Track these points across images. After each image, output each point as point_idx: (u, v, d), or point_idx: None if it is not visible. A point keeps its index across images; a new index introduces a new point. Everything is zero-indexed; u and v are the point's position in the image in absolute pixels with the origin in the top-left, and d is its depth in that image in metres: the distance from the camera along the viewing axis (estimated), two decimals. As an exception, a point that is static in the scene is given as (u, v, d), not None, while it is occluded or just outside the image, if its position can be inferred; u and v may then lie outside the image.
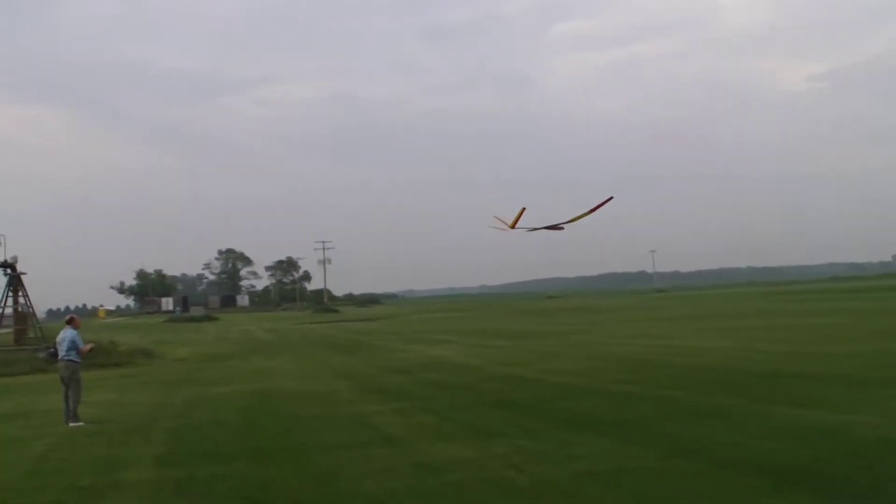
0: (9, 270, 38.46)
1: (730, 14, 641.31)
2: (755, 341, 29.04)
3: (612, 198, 19.83)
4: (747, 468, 9.53)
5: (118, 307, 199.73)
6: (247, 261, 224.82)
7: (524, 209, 19.59)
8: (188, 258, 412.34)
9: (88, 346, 17.73)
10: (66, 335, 16.86)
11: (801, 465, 9.47)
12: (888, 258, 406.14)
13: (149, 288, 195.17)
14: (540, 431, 12.80)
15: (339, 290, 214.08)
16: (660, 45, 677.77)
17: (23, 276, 39.03)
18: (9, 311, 39.61)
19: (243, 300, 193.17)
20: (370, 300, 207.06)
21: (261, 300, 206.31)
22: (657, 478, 9.35)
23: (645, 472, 9.68)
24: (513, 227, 19.74)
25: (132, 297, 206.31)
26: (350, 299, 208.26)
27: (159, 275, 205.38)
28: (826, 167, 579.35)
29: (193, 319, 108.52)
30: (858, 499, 8.09)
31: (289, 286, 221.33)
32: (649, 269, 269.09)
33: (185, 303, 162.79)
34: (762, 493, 8.47)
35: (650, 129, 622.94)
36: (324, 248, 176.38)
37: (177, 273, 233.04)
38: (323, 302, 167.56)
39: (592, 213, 20.52)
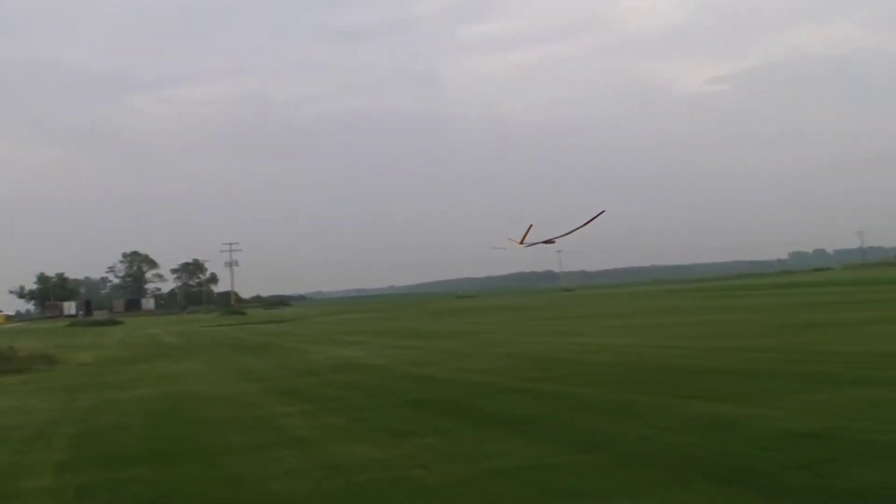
0: None
1: (634, 17, 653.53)
2: (663, 338, 29.58)
3: (603, 211, 19.96)
4: (655, 461, 9.72)
5: (18, 312, 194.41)
6: (152, 263, 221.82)
7: (531, 225, 19.64)
8: (91, 261, 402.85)
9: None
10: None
11: (706, 458, 9.69)
12: (785, 256, 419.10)
13: (50, 292, 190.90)
14: (450, 430, 12.81)
15: (246, 293, 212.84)
16: (566, 47, 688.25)
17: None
18: None
19: (149, 303, 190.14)
20: (278, 302, 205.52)
21: (167, 303, 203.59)
22: (566, 473, 9.45)
23: (554, 467, 9.76)
24: (521, 242, 19.74)
25: (33, 302, 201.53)
26: (258, 301, 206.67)
27: (61, 278, 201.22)
28: (727, 167, 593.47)
29: (97, 324, 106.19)
30: (759, 489, 8.29)
31: (195, 289, 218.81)
32: (556, 269, 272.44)
33: (88, 307, 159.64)
34: (667, 485, 8.64)
35: (555, 130, 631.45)
36: (231, 250, 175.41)
37: (80, 276, 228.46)
38: (230, 304, 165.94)
39: (585, 227, 20.61)
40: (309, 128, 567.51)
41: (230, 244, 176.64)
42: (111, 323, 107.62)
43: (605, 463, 9.81)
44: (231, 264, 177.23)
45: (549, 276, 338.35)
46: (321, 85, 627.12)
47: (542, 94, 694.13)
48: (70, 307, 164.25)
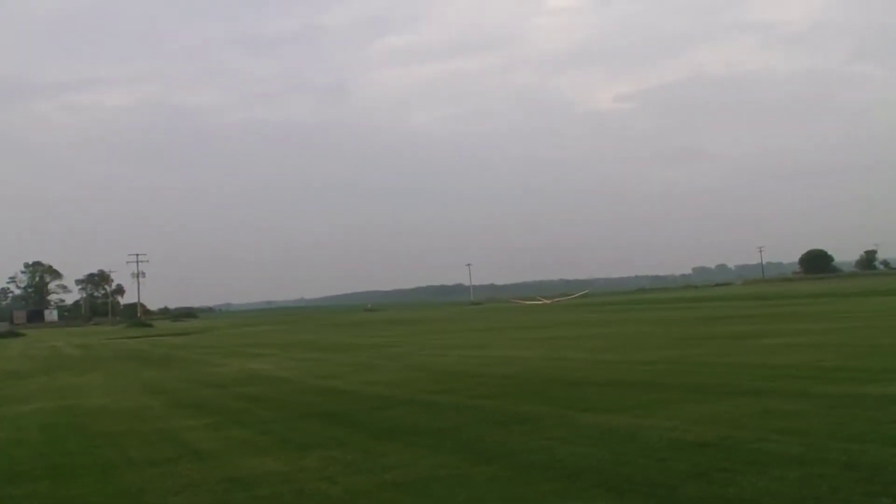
0: None
1: (545, 34, 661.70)
2: (564, 350, 30.12)
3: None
4: (552, 472, 9.89)
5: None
6: (56, 274, 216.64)
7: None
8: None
9: None
10: None
11: (602, 468, 9.90)
12: (689, 271, 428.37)
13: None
14: (353, 442, 12.85)
15: (153, 304, 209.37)
16: (476, 61, 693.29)
17: None
18: None
19: (52, 315, 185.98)
20: (186, 314, 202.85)
21: (71, 315, 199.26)
22: (466, 484, 9.58)
23: (454, 479, 9.87)
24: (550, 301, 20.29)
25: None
26: (165, 313, 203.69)
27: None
28: (631, 183, 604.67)
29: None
30: (651, 497, 8.52)
31: (101, 300, 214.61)
32: (466, 283, 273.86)
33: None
34: (564, 495, 8.83)
35: (461, 144, 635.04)
36: (137, 261, 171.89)
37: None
38: (136, 316, 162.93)
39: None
40: (217, 137, 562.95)
41: (137, 255, 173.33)
42: (12, 335, 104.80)
43: (504, 474, 9.96)
44: (138, 275, 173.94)
45: (460, 289, 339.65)
46: (229, 94, 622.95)
47: (448, 107, 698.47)
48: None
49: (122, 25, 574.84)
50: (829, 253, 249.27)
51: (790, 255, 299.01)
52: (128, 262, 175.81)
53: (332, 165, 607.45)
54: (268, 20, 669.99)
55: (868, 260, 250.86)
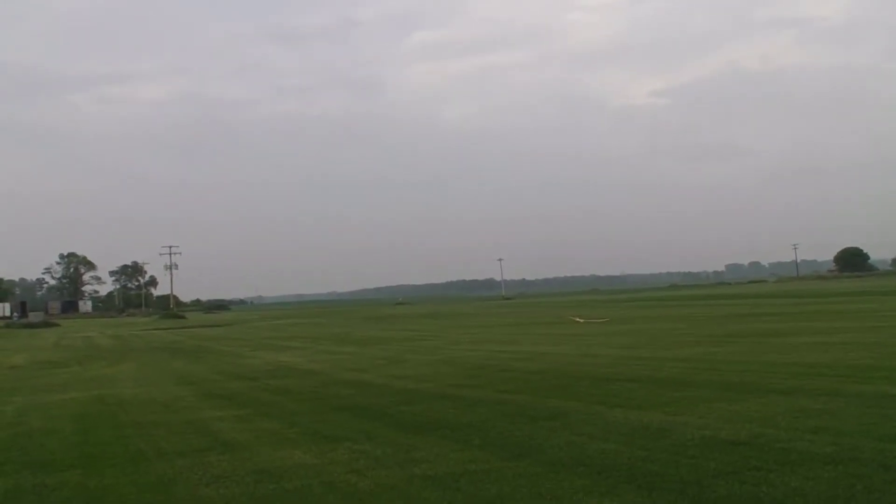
0: None
1: (578, 29, 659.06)
2: (593, 346, 29.93)
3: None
4: (581, 468, 9.84)
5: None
6: (90, 265, 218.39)
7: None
8: (27, 262, 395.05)
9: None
10: None
11: (631, 464, 9.83)
12: (721, 268, 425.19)
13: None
14: (383, 436, 12.85)
15: (186, 296, 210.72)
16: (508, 56, 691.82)
17: None
18: None
19: (86, 306, 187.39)
20: (218, 306, 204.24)
21: (105, 306, 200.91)
22: (495, 479, 9.53)
23: (483, 473, 9.84)
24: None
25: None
26: (197, 305, 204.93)
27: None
28: (663, 179, 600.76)
29: (31, 326, 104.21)
30: (682, 494, 8.46)
31: (134, 292, 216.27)
32: (497, 277, 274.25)
33: (23, 308, 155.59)
34: (593, 492, 8.76)
35: (493, 139, 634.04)
36: (170, 253, 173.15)
37: (14, 277, 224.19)
38: (169, 308, 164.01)
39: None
40: (249, 130, 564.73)
41: (170, 247, 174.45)
42: (46, 325, 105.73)
43: (533, 469, 9.92)
44: (171, 267, 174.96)
45: (491, 283, 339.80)
46: (261, 87, 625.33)
47: (482, 101, 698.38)
48: (4, 309, 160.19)
49: (155, 18, 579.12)
50: (865, 251, 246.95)
51: (825, 252, 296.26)
52: (161, 254, 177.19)
53: (365, 159, 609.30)
54: (301, 14, 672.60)
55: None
